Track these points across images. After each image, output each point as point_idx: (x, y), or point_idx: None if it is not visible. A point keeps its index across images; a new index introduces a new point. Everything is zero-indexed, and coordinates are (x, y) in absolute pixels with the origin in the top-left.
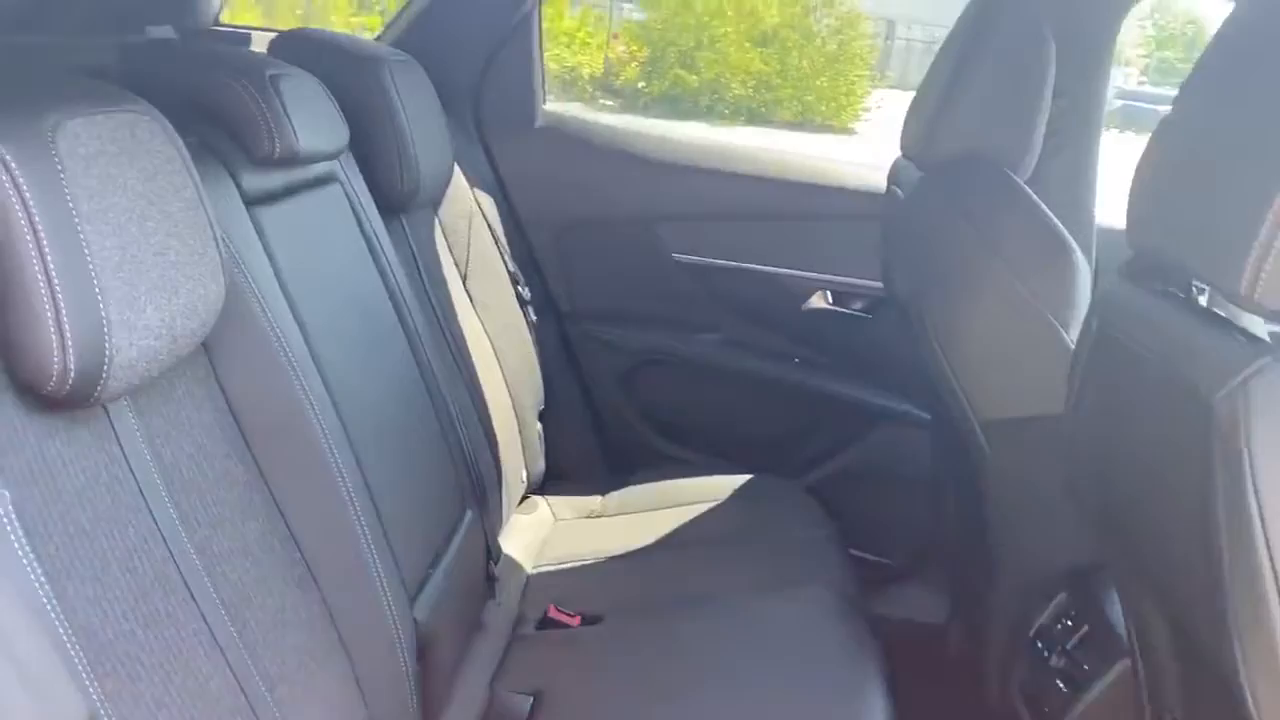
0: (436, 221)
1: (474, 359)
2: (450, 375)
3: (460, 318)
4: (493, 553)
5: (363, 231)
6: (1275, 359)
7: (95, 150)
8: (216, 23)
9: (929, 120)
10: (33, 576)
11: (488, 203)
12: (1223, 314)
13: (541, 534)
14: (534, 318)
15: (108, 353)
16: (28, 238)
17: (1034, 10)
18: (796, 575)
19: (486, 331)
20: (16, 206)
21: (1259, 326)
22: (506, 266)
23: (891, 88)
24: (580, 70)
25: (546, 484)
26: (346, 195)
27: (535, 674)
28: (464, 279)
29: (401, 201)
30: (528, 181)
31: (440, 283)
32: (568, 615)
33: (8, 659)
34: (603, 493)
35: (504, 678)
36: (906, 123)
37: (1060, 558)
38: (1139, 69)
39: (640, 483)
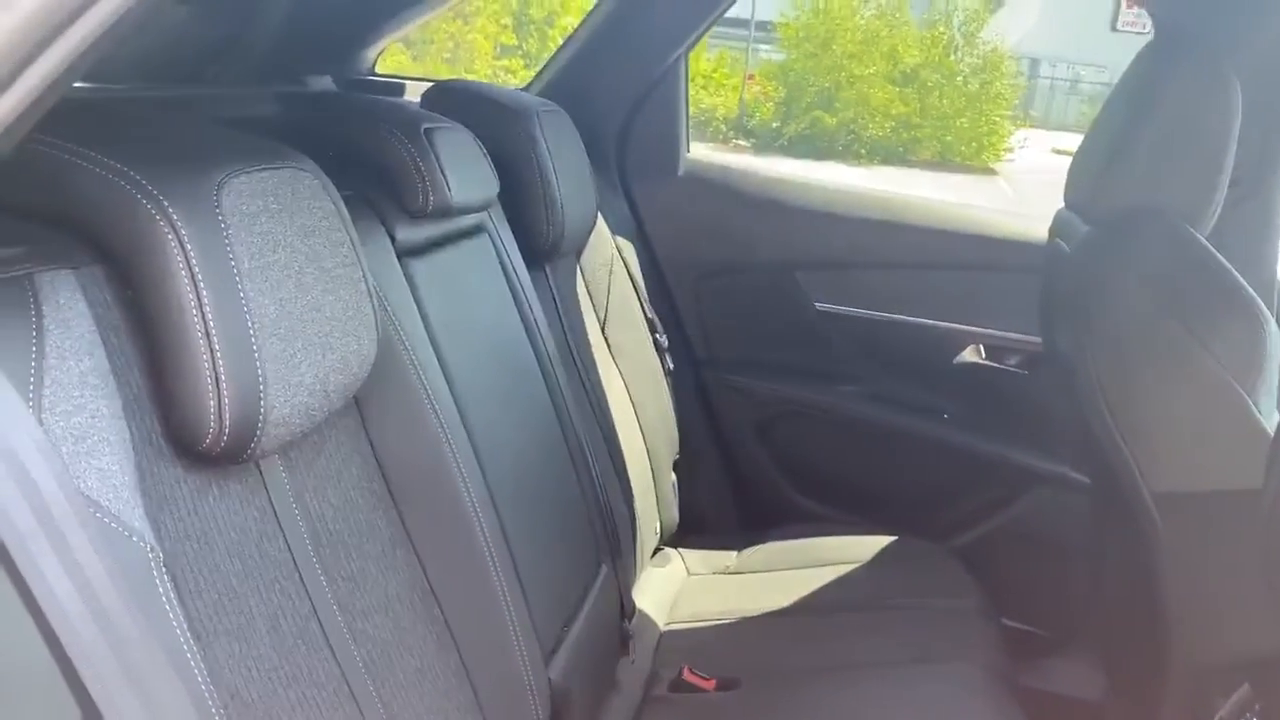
0: (578, 269)
1: (611, 408)
2: (588, 425)
3: (599, 366)
4: (627, 609)
5: (508, 282)
6: None
7: (258, 208)
8: (372, 72)
9: (1098, 170)
10: (180, 636)
11: (628, 249)
12: None
13: (674, 589)
14: (671, 365)
15: (262, 411)
16: (190, 296)
17: (1217, 50)
18: (943, 647)
19: (624, 380)
20: (181, 265)
21: None
22: (645, 314)
23: (1034, 127)
24: (715, 111)
25: (680, 536)
26: (494, 246)
27: None
28: (603, 326)
29: (546, 251)
30: (668, 228)
31: (580, 331)
32: (703, 679)
33: (146, 710)
34: (738, 548)
35: None
36: (1071, 172)
37: (1242, 646)
38: None
39: (777, 540)
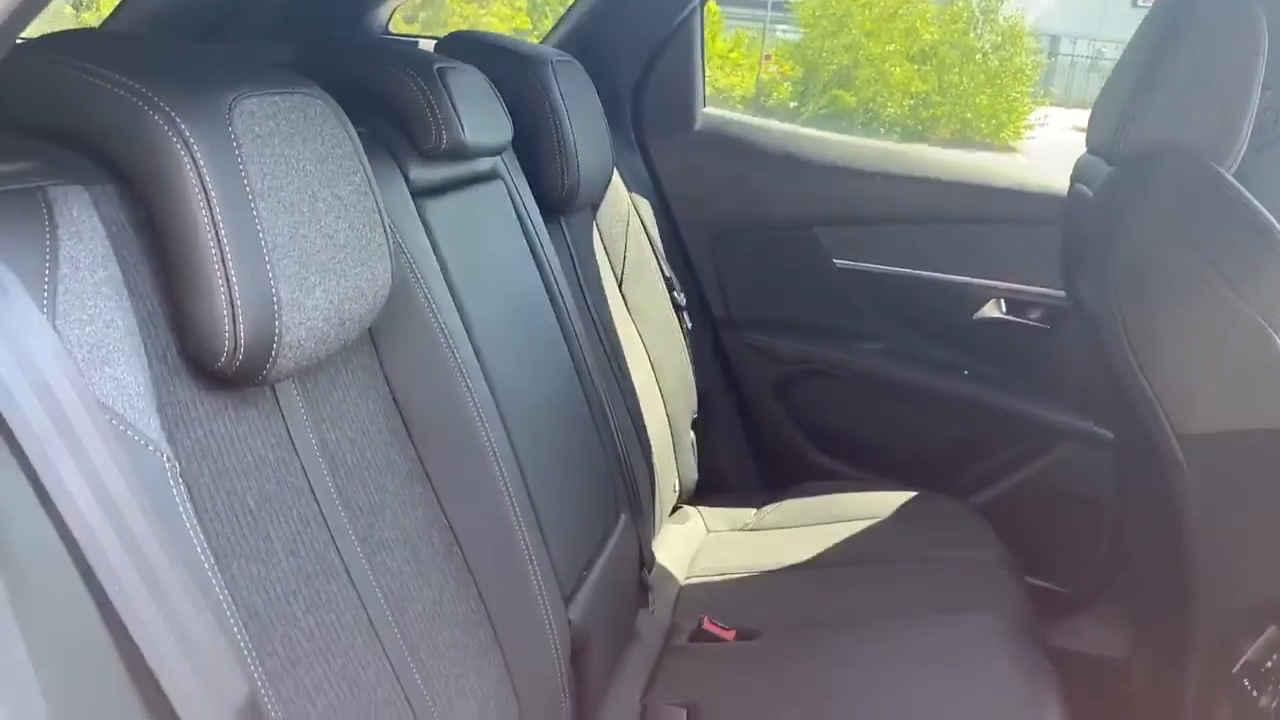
0: (594, 225)
1: (629, 365)
2: (606, 379)
3: (616, 323)
4: (646, 560)
5: (524, 231)
6: None
7: (270, 129)
8: (385, 32)
9: (1121, 109)
10: (198, 547)
11: (644, 206)
12: None
13: (694, 545)
14: (689, 324)
15: (277, 330)
16: (203, 213)
17: None
18: (966, 598)
19: (641, 337)
20: (194, 183)
21: None
22: (662, 272)
23: (1055, 105)
24: (732, 92)
25: (699, 495)
26: (509, 193)
27: (690, 687)
28: (620, 284)
29: (561, 203)
30: (685, 185)
31: (597, 287)
32: (722, 629)
33: (173, 631)
34: (757, 505)
35: (657, 689)
36: (1094, 115)
37: (1270, 588)
38: None
39: (797, 497)
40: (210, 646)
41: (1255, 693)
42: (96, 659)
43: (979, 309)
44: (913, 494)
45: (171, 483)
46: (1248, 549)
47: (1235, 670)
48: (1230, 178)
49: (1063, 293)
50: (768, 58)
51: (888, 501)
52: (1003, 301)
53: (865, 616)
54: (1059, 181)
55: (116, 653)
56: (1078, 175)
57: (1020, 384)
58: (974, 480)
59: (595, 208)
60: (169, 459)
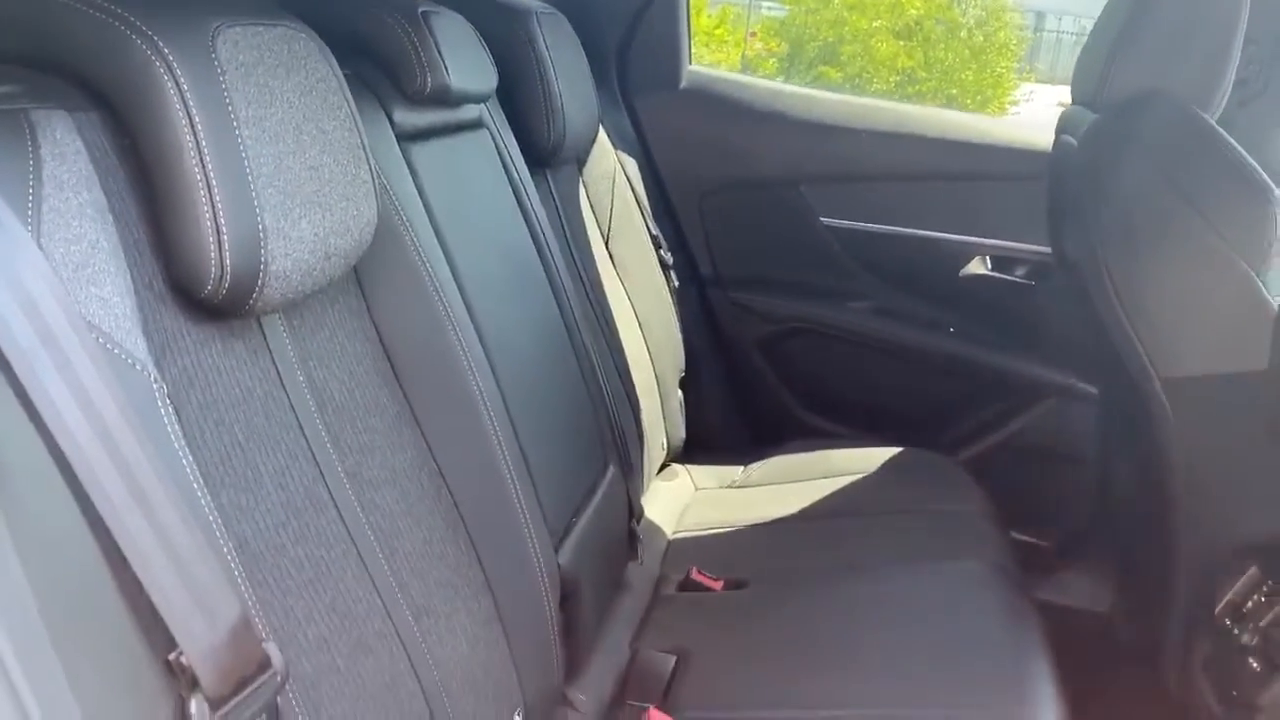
0: (580, 180)
1: (616, 320)
2: (594, 333)
3: (603, 279)
4: (635, 511)
5: (510, 180)
6: None
7: (253, 59)
8: None
9: (1106, 57)
10: (187, 469)
11: (630, 164)
12: None
13: (682, 501)
14: (675, 283)
15: (263, 259)
16: (188, 139)
17: None
18: (951, 548)
19: (629, 295)
20: (179, 110)
21: None
22: (649, 229)
23: (1041, 81)
24: (718, 68)
25: (687, 453)
26: (495, 142)
27: (678, 634)
28: (606, 240)
29: (547, 155)
30: (671, 143)
31: (584, 242)
32: (711, 579)
33: (165, 550)
34: (744, 463)
35: (646, 636)
36: (1079, 66)
37: (1250, 528)
38: None
39: (784, 454)
40: (202, 567)
41: (1236, 630)
42: (91, 579)
43: (965, 266)
44: (898, 450)
45: (160, 403)
46: (1229, 491)
47: (1218, 611)
48: (1213, 123)
49: (1048, 249)
50: (753, 34)
51: (873, 457)
52: (988, 258)
53: (852, 566)
54: (1044, 138)
55: (110, 573)
56: (1063, 126)
57: (1005, 340)
58: (959, 436)
59: (581, 164)
60: (156, 380)
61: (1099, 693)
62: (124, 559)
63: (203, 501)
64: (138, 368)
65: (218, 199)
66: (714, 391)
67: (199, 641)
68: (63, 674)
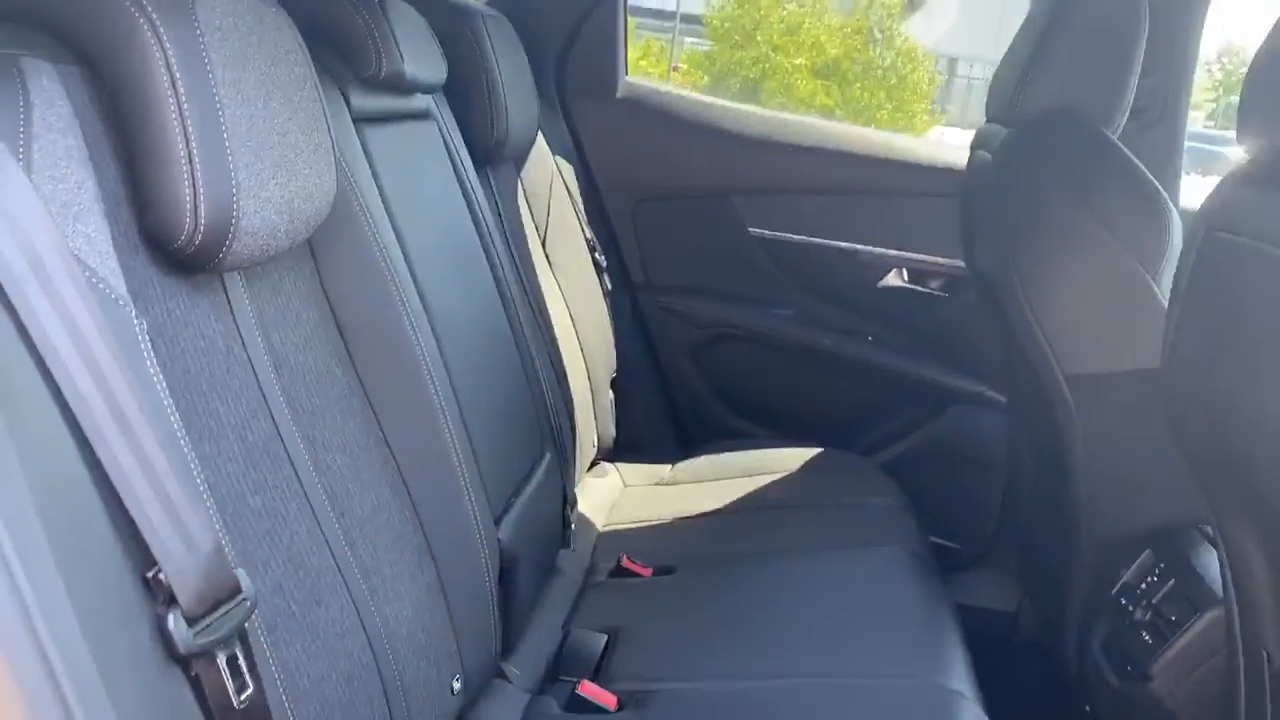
0: (519, 181)
1: (552, 318)
2: (532, 326)
3: (539, 277)
4: (569, 498)
5: (456, 172)
6: None
7: (230, 25)
8: None
9: (1019, 77)
10: (165, 401)
11: (567, 169)
12: None
13: (612, 497)
14: (609, 286)
15: (235, 215)
16: (169, 96)
17: None
18: (871, 536)
19: (563, 295)
20: (161, 65)
21: None
22: (584, 233)
23: (951, 124)
24: None
25: (616, 452)
26: (442, 135)
27: (609, 615)
28: (543, 241)
29: (489, 153)
30: (606, 151)
31: (521, 240)
32: (640, 566)
33: (145, 473)
34: (672, 462)
35: (578, 618)
36: (992, 86)
37: (1145, 517)
38: (1205, 113)
39: (710, 454)
40: (179, 492)
41: (1131, 608)
42: (78, 493)
43: (883, 277)
44: (818, 450)
45: (140, 337)
46: (1128, 482)
47: (1114, 592)
48: (1115, 140)
49: (961, 263)
50: (676, 69)
51: (795, 457)
52: (905, 270)
53: (777, 552)
54: (960, 157)
55: (94, 489)
56: (978, 143)
57: (919, 349)
58: (876, 440)
59: (519, 165)
60: (137, 316)
61: (1005, 690)
62: (107, 478)
63: (179, 434)
64: (120, 303)
65: (195, 153)
66: (643, 393)
67: (176, 561)
68: (58, 574)
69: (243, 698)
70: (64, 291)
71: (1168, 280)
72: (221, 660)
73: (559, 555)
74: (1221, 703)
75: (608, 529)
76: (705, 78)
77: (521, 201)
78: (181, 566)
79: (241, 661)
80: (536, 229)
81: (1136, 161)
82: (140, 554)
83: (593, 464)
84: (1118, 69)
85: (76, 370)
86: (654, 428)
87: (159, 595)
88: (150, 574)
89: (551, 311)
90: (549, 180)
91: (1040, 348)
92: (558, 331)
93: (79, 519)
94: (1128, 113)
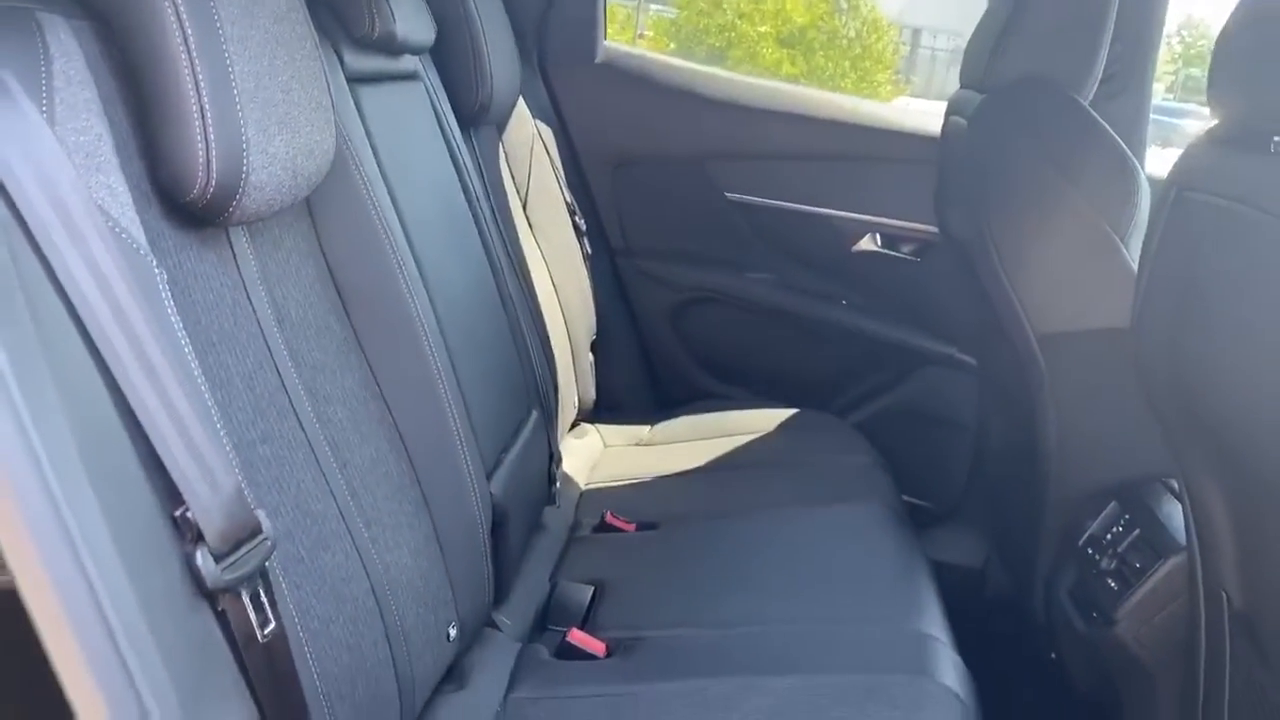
0: (501, 145)
1: (534, 281)
2: (516, 287)
3: (521, 239)
4: (555, 455)
5: (443, 134)
6: None
7: None
8: None
9: (993, 44)
10: (186, 347)
11: (547, 133)
12: None
13: (593, 457)
14: (589, 250)
15: (245, 170)
16: (181, 50)
17: None
18: (847, 492)
19: (544, 258)
20: (173, 21)
21: None
22: (564, 197)
23: (915, 95)
24: None
25: (596, 413)
26: (429, 96)
27: (595, 568)
28: (524, 205)
29: (473, 115)
30: (586, 115)
31: (504, 203)
32: (624, 522)
33: (170, 416)
34: (651, 423)
35: (565, 571)
36: (967, 53)
37: (1111, 471)
38: (1165, 85)
39: (688, 415)
40: (201, 434)
41: (1097, 557)
42: (109, 434)
43: (857, 242)
44: (794, 411)
45: (161, 286)
46: (1095, 438)
47: (1081, 542)
48: (1087, 106)
49: (933, 228)
50: (642, 36)
51: (772, 417)
52: (879, 235)
53: (756, 508)
54: (933, 124)
55: (125, 430)
56: (953, 108)
57: (891, 312)
58: (850, 401)
59: (501, 129)
60: (157, 265)
61: (973, 642)
62: (135, 421)
63: (200, 380)
64: (141, 251)
65: (207, 108)
66: (622, 355)
67: (202, 500)
68: (100, 512)
69: (265, 632)
70: (90, 241)
71: (1136, 243)
72: (245, 596)
73: (545, 512)
74: (1183, 643)
75: (590, 487)
76: (671, 45)
77: (503, 165)
78: (207, 506)
79: (264, 598)
80: (518, 192)
81: (1107, 128)
82: (168, 494)
83: (573, 425)
84: (1090, 37)
85: (104, 318)
86: (633, 390)
87: (186, 534)
88: (178, 513)
89: (533, 274)
90: (529, 144)
91: (1013, 308)
92: (540, 294)
93: (112, 460)
94: (1099, 80)
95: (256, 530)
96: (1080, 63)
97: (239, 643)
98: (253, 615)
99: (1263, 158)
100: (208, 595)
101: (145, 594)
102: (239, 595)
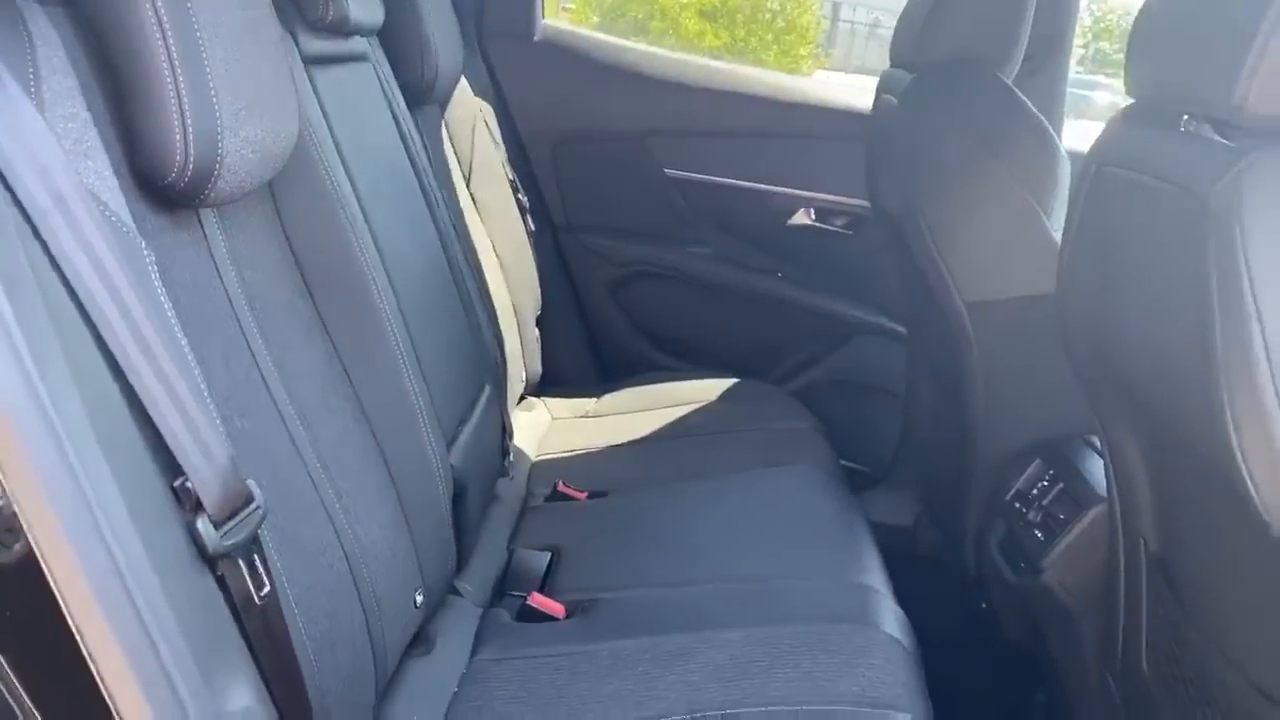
0: (443, 124)
1: (480, 257)
2: (464, 264)
3: (466, 216)
4: (507, 428)
5: (392, 113)
6: (1263, 152)
7: None
8: None
9: (922, 25)
10: (175, 324)
11: (488, 111)
12: (1210, 137)
13: (541, 429)
14: (532, 226)
15: (220, 153)
16: (157, 36)
17: None
18: (787, 456)
19: (489, 234)
20: (148, 7)
21: (1241, 139)
22: (507, 174)
23: (835, 69)
24: None
25: (542, 386)
26: (378, 76)
27: (550, 535)
28: (467, 182)
29: (420, 94)
30: (526, 94)
31: (449, 180)
32: (576, 490)
33: (167, 391)
34: (596, 396)
35: (521, 538)
36: (897, 33)
37: (1035, 429)
38: (1075, 59)
39: (632, 387)
40: (196, 409)
41: (1024, 511)
42: (111, 408)
43: (792, 217)
44: (734, 381)
45: (150, 266)
46: (1021, 399)
47: (1008, 498)
48: (1011, 85)
49: (864, 202)
50: (566, 8)
51: (713, 387)
52: (813, 210)
53: (702, 474)
54: (863, 102)
55: (125, 405)
56: (884, 87)
57: (826, 284)
58: (787, 370)
59: (444, 106)
60: (145, 247)
61: (909, 587)
62: (135, 396)
63: (190, 358)
64: (131, 235)
65: (184, 93)
66: (566, 329)
67: (200, 471)
68: (114, 483)
69: (261, 594)
70: (84, 226)
71: (1057, 214)
72: (242, 562)
73: (499, 483)
74: (1104, 587)
75: (540, 459)
76: (594, 16)
77: (447, 143)
78: (205, 477)
79: (259, 563)
80: (462, 170)
81: (1030, 106)
82: (168, 466)
83: (520, 399)
84: (1013, 18)
85: (103, 299)
86: (577, 363)
87: (186, 503)
88: (178, 483)
89: (480, 251)
90: (472, 122)
91: (942, 278)
92: (486, 270)
93: (118, 432)
94: (1020, 62)
95: (249, 499)
96: (1005, 43)
97: (238, 605)
98: (249, 579)
99: (1173, 135)
100: (209, 561)
101: (157, 560)
102: (236, 561)
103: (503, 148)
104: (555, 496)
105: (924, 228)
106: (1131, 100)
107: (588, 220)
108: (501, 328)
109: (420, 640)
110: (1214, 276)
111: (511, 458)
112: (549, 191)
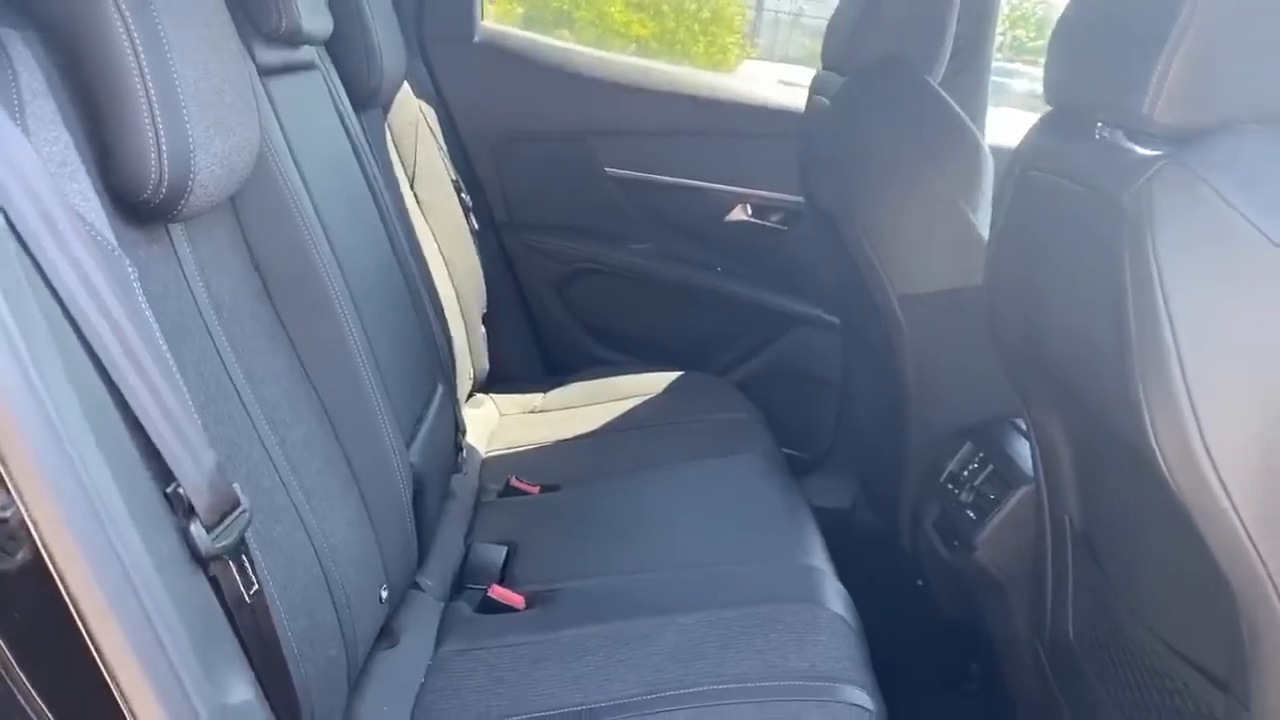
0: (386, 126)
1: (427, 258)
2: (413, 266)
3: (412, 217)
4: (460, 425)
5: (341, 119)
6: (1171, 160)
7: None
8: None
9: (852, 29)
10: (161, 341)
11: (430, 113)
12: (1123, 143)
13: (490, 426)
14: (475, 225)
15: (193, 169)
16: (130, 58)
17: None
18: (731, 446)
19: (434, 234)
20: (120, 29)
21: (1153, 146)
22: (450, 174)
23: (761, 58)
24: None
25: (490, 384)
26: (327, 85)
27: (506, 530)
28: (411, 183)
29: (365, 99)
30: (467, 95)
31: (394, 182)
32: (528, 485)
33: (156, 402)
34: (544, 391)
35: (478, 533)
36: (827, 37)
37: (965, 414)
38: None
39: (578, 382)
40: (184, 418)
41: (957, 491)
42: (105, 418)
43: (729, 213)
44: (678, 374)
45: (136, 284)
46: (951, 386)
47: (942, 479)
48: (938, 88)
49: (798, 198)
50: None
51: (657, 381)
52: (749, 206)
53: (650, 465)
54: (797, 101)
55: (119, 415)
56: (816, 88)
57: (762, 278)
58: (728, 361)
59: (387, 109)
60: (131, 266)
61: (848, 567)
62: (127, 406)
63: (174, 369)
64: (116, 253)
65: (158, 114)
66: (512, 327)
67: (190, 477)
68: (116, 488)
69: (251, 593)
70: (73, 244)
71: (983, 210)
72: (232, 563)
73: (452, 480)
74: (1032, 562)
75: (491, 454)
76: (519, 7)
77: (391, 145)
78: (196, 482)
79: (247, 564)
80: (406, 172)
81: (955, 105)
82: (160, 472)
83: (469, 395)
84: (938, 21)
85: (93, 314)
86: (523, 360)
87: (179, 508)
88: (170, 489)
89: (425, 251)
90: (415, 123)
91: (875, 272)
92: (433, 270)
93: (113, 441)
94: (947, 59)
95: (236, 503)
96: (931, 44)
97: (231, 605)
98: (239, 579)
99: (1089, 141)
100: (202, 563)
101: (157, 563)
102: (227, 562)
103: (445, 149)
104: (508, 491)
105: (858, 226)
106: (1050, 108)
107: (531, 219)
108: (450, 326)
109: (386, 634)
110: (1128, 276)
111: (465, 454)
112: (492, 191)
